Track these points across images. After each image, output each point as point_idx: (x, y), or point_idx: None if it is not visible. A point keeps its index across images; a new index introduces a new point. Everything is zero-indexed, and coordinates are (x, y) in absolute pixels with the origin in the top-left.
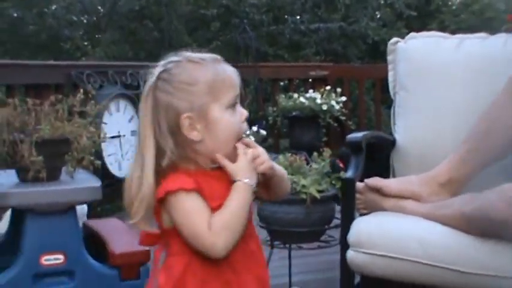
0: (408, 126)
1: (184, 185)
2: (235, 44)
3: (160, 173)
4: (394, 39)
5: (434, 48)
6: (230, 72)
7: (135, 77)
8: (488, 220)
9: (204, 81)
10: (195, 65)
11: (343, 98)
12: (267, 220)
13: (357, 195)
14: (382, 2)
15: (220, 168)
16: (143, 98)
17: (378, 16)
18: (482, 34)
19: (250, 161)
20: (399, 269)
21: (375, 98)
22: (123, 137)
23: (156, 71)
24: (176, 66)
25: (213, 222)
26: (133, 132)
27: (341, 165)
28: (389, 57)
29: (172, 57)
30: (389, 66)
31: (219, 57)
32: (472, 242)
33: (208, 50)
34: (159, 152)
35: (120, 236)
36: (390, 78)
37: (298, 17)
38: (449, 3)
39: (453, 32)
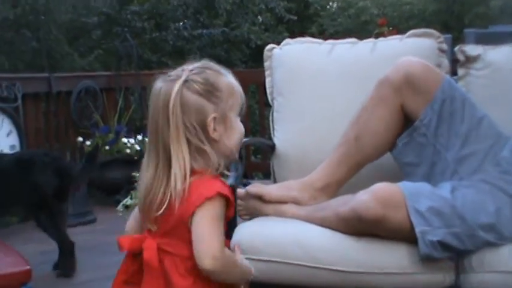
0: (286, 131)
1: (223, 191)
2: (117, 53)
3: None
4: (270, 45)
5: (308, 54)
6: (237, 85)
7: (11, 90)
8: (361, 219)
9: (226, 89)
10: (216, 73)
11: None
12: None
13: (238, 202)
14: (263, 7)
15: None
16: (167, 98)
17: (260, 21)
18: (353, 39)
19: None
20: (282, 273)
21: (259, 101)
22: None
23: (184, 74)
24: (202, 71)
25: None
26: (12, 147)
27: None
28: (266, 64)
29: (193, 64)
30: (266, 72)
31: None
32: (349, 241)
33: (90, 59)
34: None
35: None
36: (268, 84)
37: (180, 24)
38: (328, 7)
39: (332, 35)
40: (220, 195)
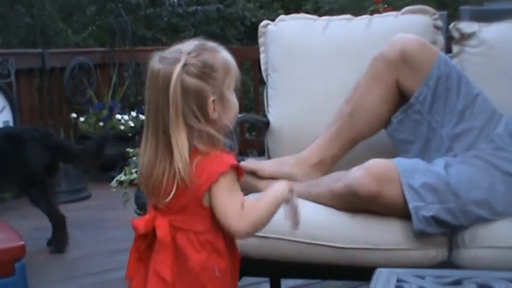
0: (280, 108)
1: (233, 162)
2: (111, 29)
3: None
4: (265, 21)
5: (303, 31)
6: (231, 59)
7: (4, 65)
8: (355, 195)
9: (222, 68)
10: (211, 53)
11: None
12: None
13: None
14: None
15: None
16: (166, 83)
17: None
18: (348, 16)
19: None
20: (277, 249)
21: (254, 78)
22: None
23: (182, 57)
24: (200, 53)
25: (247, 209)
26: (5, 123)
27: None
28: (260, 40)
29: (189, 43)
30: (261, 49)
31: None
32: (343, 218)
33: (84, 35)
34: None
35: None
36: (262, 61)
37: (175, 0)
38: None
39: (327, 13)
40: (232, 167)
